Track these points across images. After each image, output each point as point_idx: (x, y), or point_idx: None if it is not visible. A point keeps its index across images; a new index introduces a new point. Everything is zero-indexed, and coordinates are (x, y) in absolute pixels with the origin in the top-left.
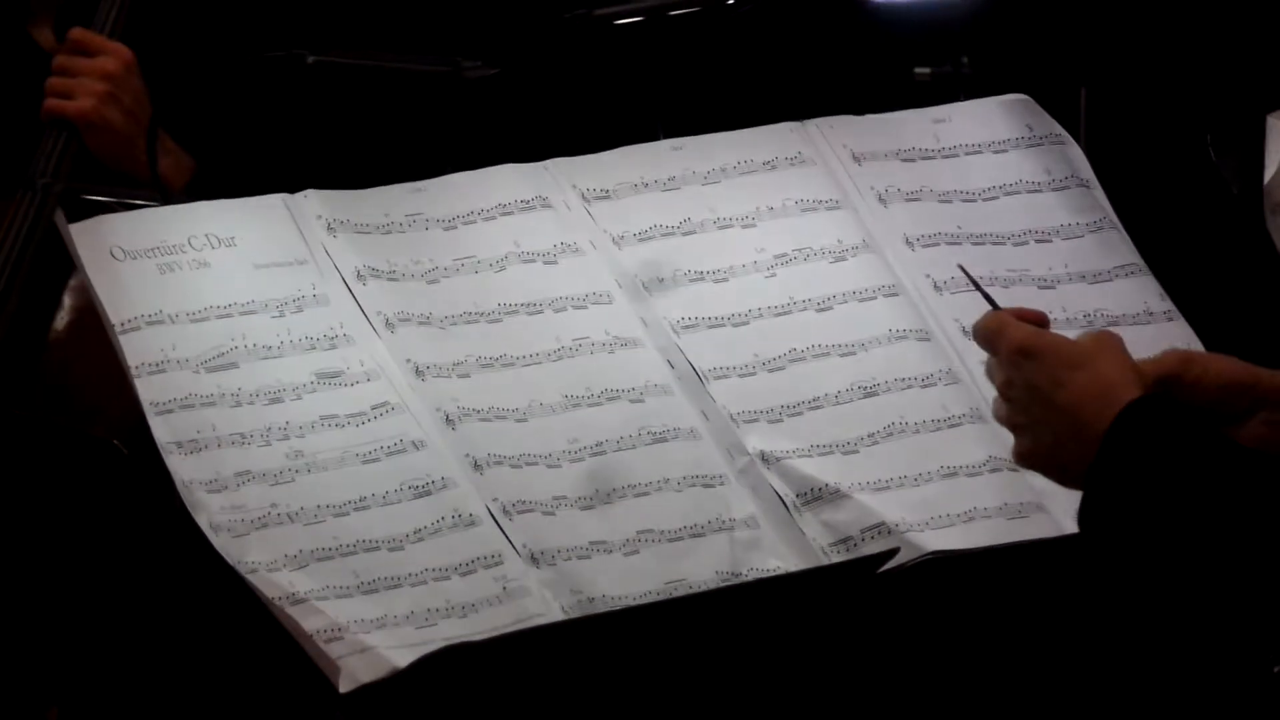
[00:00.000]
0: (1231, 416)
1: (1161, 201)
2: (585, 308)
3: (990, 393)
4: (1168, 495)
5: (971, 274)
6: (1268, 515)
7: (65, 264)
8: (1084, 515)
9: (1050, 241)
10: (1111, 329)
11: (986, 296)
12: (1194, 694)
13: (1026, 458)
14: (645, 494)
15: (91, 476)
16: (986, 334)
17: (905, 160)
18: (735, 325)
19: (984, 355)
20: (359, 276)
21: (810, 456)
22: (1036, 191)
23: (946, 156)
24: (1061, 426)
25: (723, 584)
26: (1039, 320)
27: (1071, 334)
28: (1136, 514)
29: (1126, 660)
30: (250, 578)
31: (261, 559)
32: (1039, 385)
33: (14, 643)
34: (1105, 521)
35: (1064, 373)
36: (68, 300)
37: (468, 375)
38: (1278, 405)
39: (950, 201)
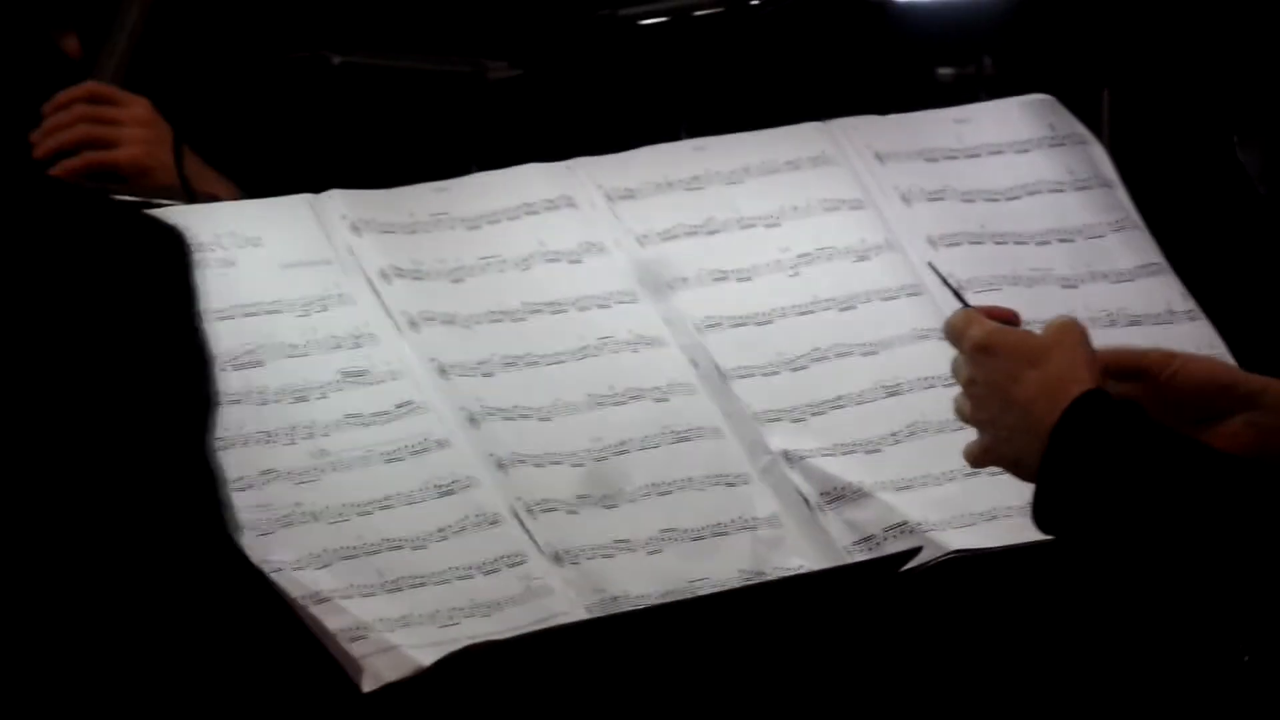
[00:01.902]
0: (1211, 416)
1: (1184, 201)
2: (609, 307)
3: None
4: (1113, 489)
5: (940, 271)
6: (1209, 506)
7: None
8: (1037, 510)
9: (1073, 241)
10: (1123, 327)
11: (956, 294)
12: (1169, 684)
13: (986, 453)
14: (668, 493)
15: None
16: (952, 331)
17: (928, 160)
18: (758, 324)
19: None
20: (383, 276)
21: (833, 455)
22: (1059, 191)
23: (969, 156)
24: (1016, 422)
25: (745, 583)
26: (1007, 318)
27: (1095, 334)
28: (1084, 508)
29: (1119, 656)
30: (275, 576)
31: (286, 558)
32: (997, 382)
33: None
34: (1057, 516)
35: (1020, 369)
36: None
37: (491, 374)
38: (1257, 407)
39: (973, 201)
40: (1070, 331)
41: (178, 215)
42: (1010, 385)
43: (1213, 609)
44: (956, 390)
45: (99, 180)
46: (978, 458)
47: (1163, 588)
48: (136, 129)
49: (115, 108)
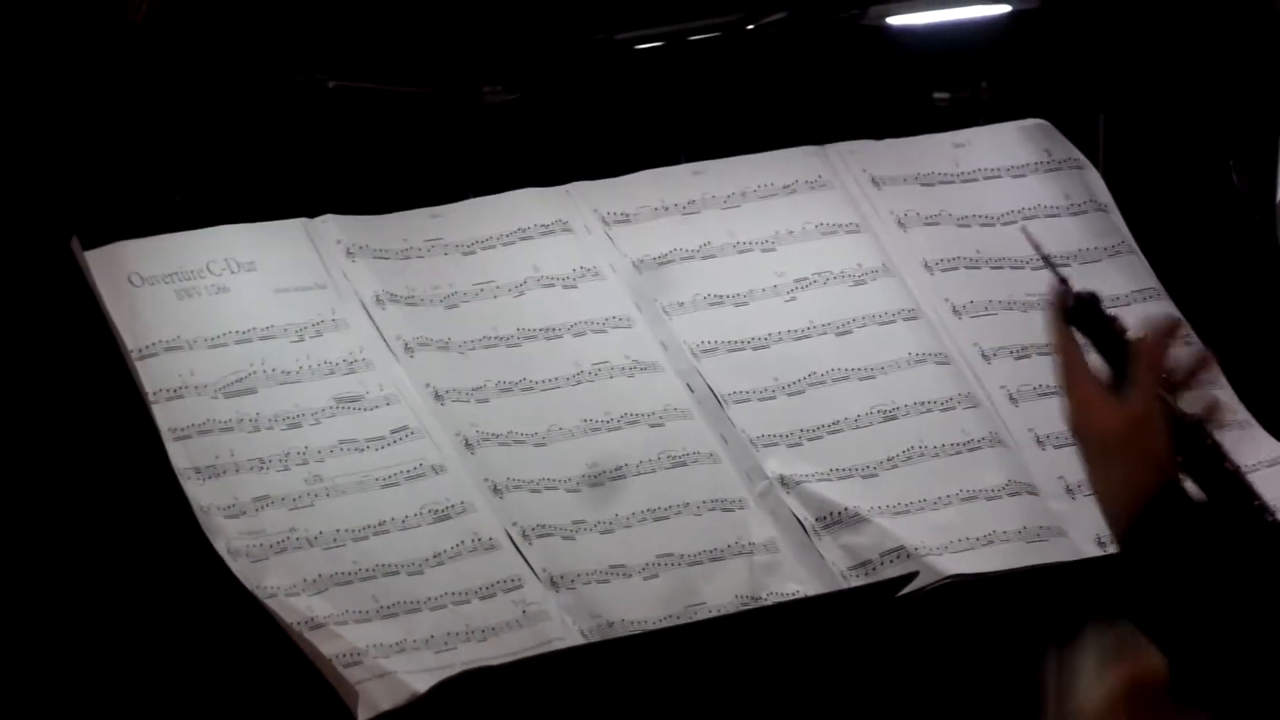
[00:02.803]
0: None
1: (1180, 226)
2: (605, 332)
3: (1006, 415)
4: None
5: (1033, 238)
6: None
7: None
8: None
9: (1068, 266)
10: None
11: (1049, 265)
12: None
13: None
14: (665, 518)
15: None
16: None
17: (924, 184)
18: (755, 349)
19: (1004, 381)
20: (378, 301)
21: (830, 480)
22: (1055, 216)
23: (965, 181)
24: (1105, 497)
25: (742, 608)
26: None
27: (1088, 358)
28: (1161, 600)
29: None
30: (269, 602)
31: (280, 584)
32: (1088, 459)
33: None
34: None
35: (1098, 458)
36: None
37: (487, 400)
38: None
39: (969, 225)
40: (1149, 416)
41: (169, 242)
42: (1096, 468)
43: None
44: (953, 414)
45: None
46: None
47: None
48: None
49: None
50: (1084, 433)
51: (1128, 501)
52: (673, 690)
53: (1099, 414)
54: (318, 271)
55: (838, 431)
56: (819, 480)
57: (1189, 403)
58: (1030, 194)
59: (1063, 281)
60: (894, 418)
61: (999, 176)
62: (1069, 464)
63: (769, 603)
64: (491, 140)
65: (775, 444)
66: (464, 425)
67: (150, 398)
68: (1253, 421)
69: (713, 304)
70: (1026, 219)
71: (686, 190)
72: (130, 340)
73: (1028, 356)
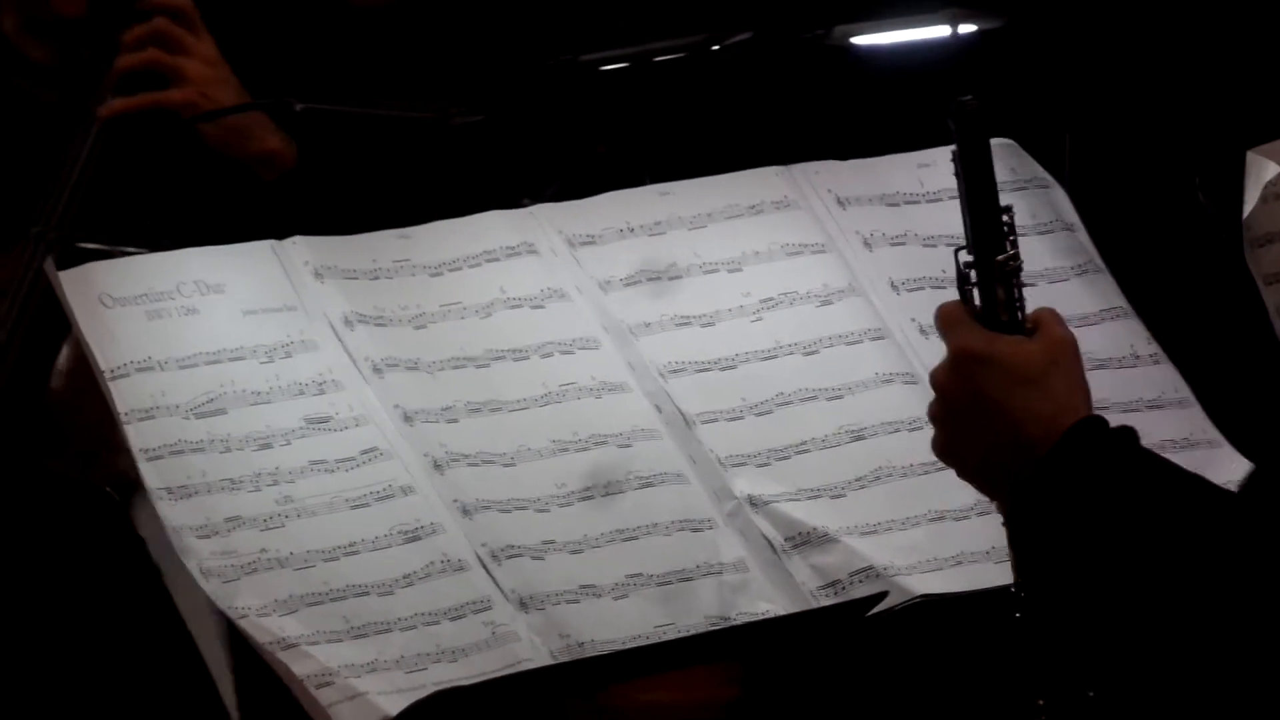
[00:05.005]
0: None
1: (1146, 245)
2: (572, 353)
3: None
4: (1099, 522)
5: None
6: (1191, 532)
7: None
8: (1013, 533)
9: (1035, 285)
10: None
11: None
12: None
13: (943, 452)
14: (634, 538)
15: (86, 523)
16: (946, 322)
17: (890, 205)
18: (722, 369)
19: None
20: (347, 322)
21: (798, 500)
22: (1022, 235)
23: (931, 201)
24: (1001, 438)
25: (712, 628)
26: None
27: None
28: (1067, 531)
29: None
30: (241, 623)
31: (252, 604)
32: (985, 394)
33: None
34: (1033, 540)
35: (1013, 386)
36: (67, 348)
37: (456, 420)
38: None
39: (935, 245)
40: (1066, 348)
41: (139, 264)
42: (1002, 400)
43: (1192, 639)
44: (921, 434)
45: (71, 211)
46: (935, 452)
47: (1137, 614)
48: (200, 66)
49: (190, 34)
50: (1004, 360)
51: (1043, 433)
52: (642, 710)
53: (1014, 344)
54: (286, 293)
55: (805, 451)
56: (788, 500)
57: None
58: None
59: None
60: (862, 437)
61: None
62: None
63: (739, 622)
64: (457, 161)
65: (744, 464)
66: (433, 446)
67: (123, 418)
68: (1223, 440)
69: (680, 325)
70: None
71: (652, 211)
72: (103, 361)
73: None
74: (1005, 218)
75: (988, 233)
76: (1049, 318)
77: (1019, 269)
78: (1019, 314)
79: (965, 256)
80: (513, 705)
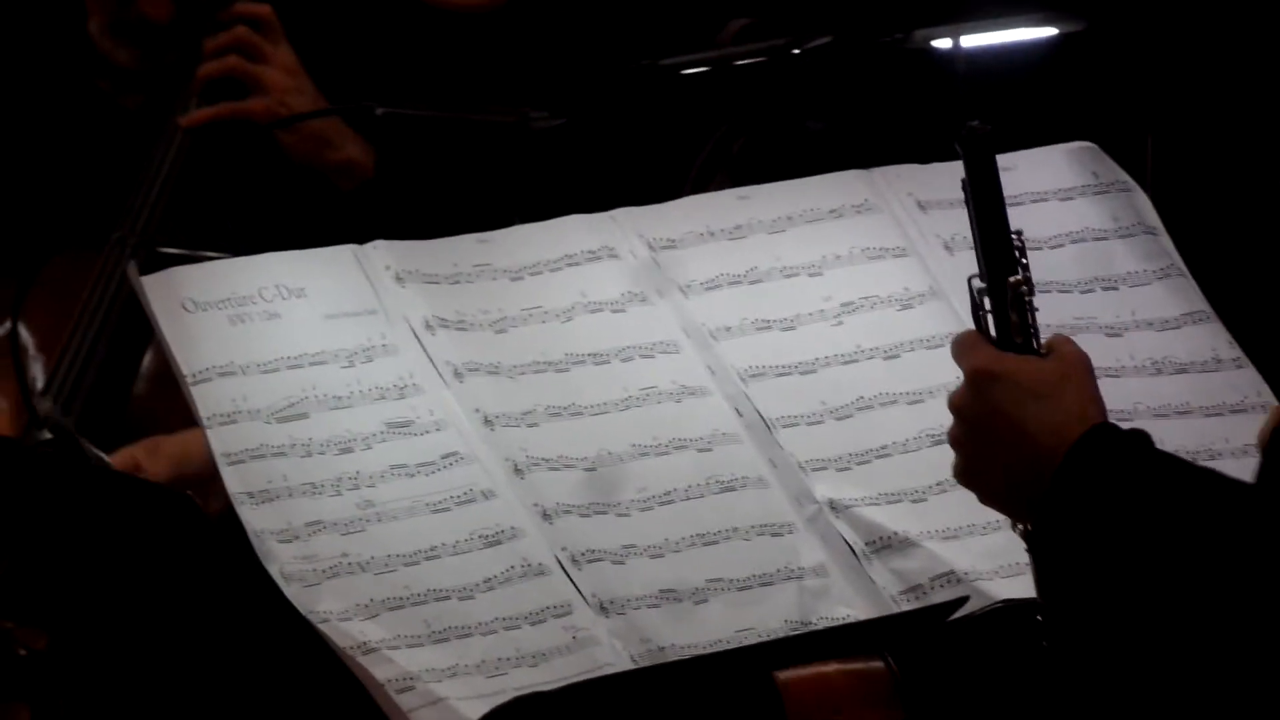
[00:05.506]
0: None
1: (1229, 248)
2: (652, 357)
3: None
4: (1117, 527)
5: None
6: (1219, 540)
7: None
8: (1034, 549)
9: (1117, 289)
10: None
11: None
12: None
13: (963, 475)
14: (714, 543)
15: (168, 529)
16: (960, 347)
17: None
18: (803, 373)
19: None
20: (428, 326)
21: (879, 504)
22: (1103, 239)
23: (1012, 204)
24: (1017, 454)
25: (792, 633)
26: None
27: (1137, 381)
28: (1086, 548)
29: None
30: (322, 627)
31: (333, 608)
32: (999, 410)
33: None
34: (1055, 554)
35: (1026, 400)
36: (151, 352)
37: (536, 425)
38: None
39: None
40: (1078, 363)
41: (221, 268)
42: (1015, 414)
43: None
44: None
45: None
46: (957, 478)
47: (1158, 618)
48: (280, 75)
49: (270, 43)
50: (1016, 376)
51: (1056, 443)
52: (722, 715)
53: (1026, 361)
54: (367, 297)
55: (886, 455)
56: (868, 504)
57: None
58: (1077, 217)
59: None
60: (942, 442)
61: (1046, 200)
62: None
63: (819, 627)
64: (538, 165)
65: (824, 468)
66: (513, 450)
67: (205, 423)
68: None
69: (760, 329)
70: (1074, 242)
71: (732, 215)
72: (185, 365)
73: None
74: (1016, 240)
75: (999, 256)
76: (1062, 340)
77: (1031, 291)
78: (1033, 338)
79: (978, 283)
80: (593, 710)
